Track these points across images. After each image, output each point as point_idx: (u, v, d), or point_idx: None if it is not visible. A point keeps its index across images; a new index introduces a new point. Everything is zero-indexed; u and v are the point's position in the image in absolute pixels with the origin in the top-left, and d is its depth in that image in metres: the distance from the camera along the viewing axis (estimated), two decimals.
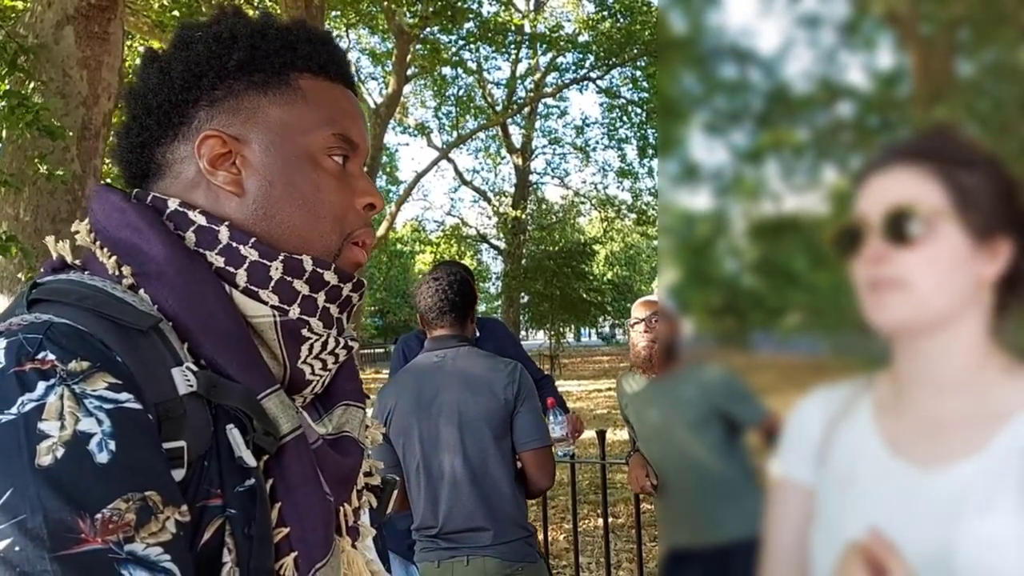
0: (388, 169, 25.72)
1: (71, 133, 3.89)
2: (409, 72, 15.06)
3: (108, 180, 6.43)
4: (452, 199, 36.84)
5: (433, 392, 2.12)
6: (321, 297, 0.72)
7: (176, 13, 7.62)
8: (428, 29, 13.01)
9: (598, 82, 18.91)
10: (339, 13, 11.56)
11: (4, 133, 3.84)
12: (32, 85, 3.90)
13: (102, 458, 0.54)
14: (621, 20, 16.59)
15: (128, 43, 7.28)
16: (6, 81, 3.99)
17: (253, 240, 0.70)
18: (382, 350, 31.84)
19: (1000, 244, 0.81)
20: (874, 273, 0.80)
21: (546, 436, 2.15)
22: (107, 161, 5.08)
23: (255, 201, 0.71)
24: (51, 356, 0.56)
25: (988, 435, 0.78)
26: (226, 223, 0.69)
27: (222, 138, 0.70)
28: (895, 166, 0.83)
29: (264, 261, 0.69)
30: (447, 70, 18.43)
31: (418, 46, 13.74)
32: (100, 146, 4.19)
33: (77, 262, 0.70)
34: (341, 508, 0.74)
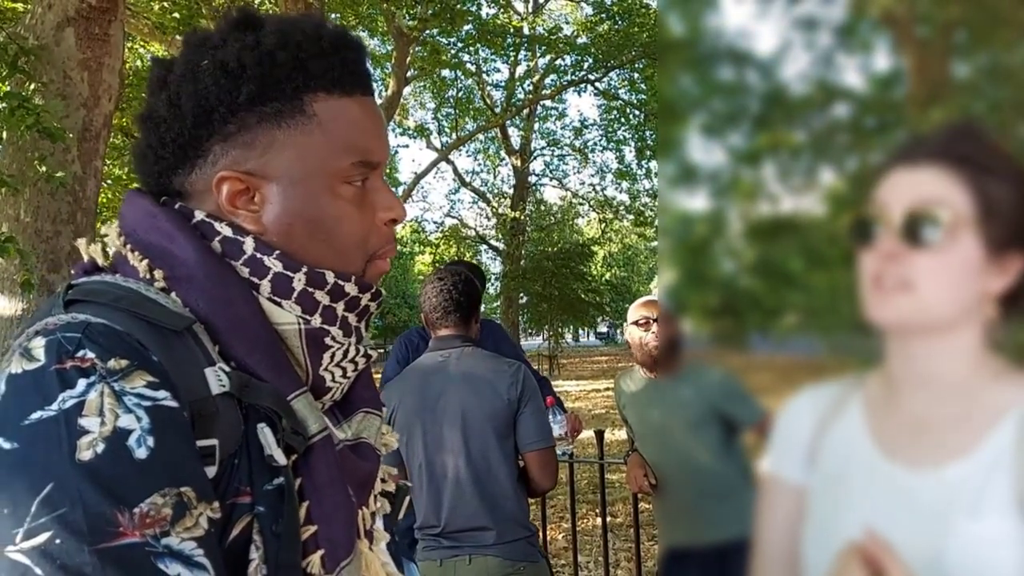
0: (388, 171, 25.65)
1: (71, 135, 3.89)
2: (408, 74, 15.04)
3: (108, 181, 6.44)
4: (452, 200, 36.86)
5: (437, 392, 2.13)
6: (340, 306, 0.73)
7: (176, 15, 7.62)
8: (427, 31, 13.02)
9: (596, 84, 18.91)
10: (339, 16, 11.57)
11: (5, 135, 3.85)
12: (32, 87, 3.91)
13: (141, 454, 0.56)
14: (619, 22, 16.59)
15: (128, 45, 7.29)
16: (7, 83, 4.00)
17: (277, 252, 0.70)
18: (381, 350, 31.82)
19: (1011, 260, 0.80)
20: (883, 269, 0.80)
21: (549, 437, 2.15)
22: (107, 162, 5.08)
23: (277, 239, 0.71)
24: (90, 354, 0.57)
25: (978, 436, 0.78)
26: (251, 235, 0.70)
27: (238, 178, 0.70)
28: (925, 163, 0.81)
29: (287, 273, 0.70)
30: (446, 72, 18.42)
31: (417, 48, 13.75)
32: (101, 147, 4.20)
33: (107, 265, 0.71)
34: (360, 511, 0.75)
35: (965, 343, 0.81)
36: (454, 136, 20.87)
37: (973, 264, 0.78)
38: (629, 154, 21.14)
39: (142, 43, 8.48)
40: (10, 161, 3.90)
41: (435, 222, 25.60)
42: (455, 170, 23.00)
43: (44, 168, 3.77)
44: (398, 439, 2.25)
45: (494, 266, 26.49)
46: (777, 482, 0.95)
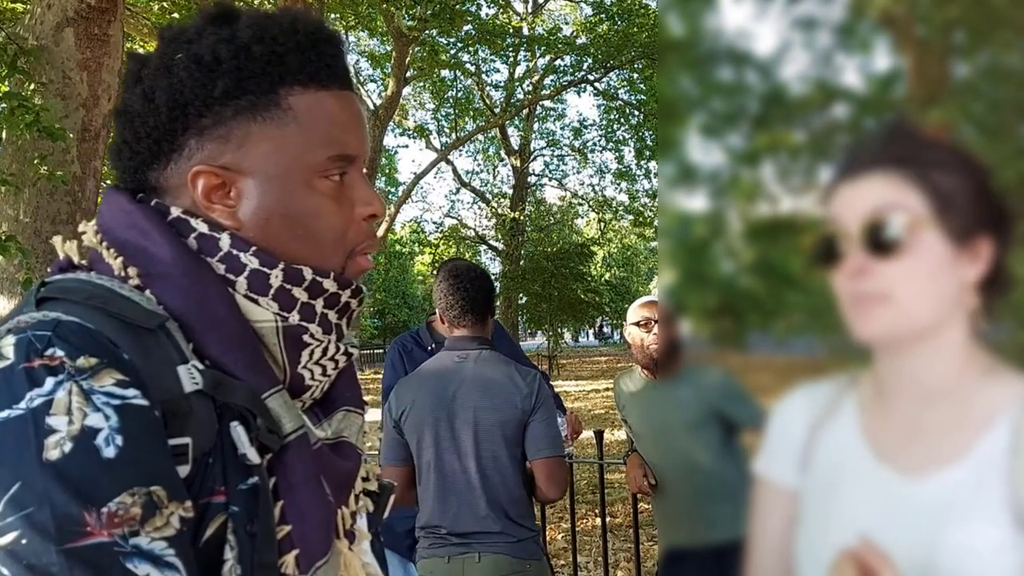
0: (387, 171, 25.75)
1: (71, 135, 3.89)
2: (408, 74, 15.05)
3: (108, 181, 6.43)
4: (452, 200, 36.96)
5: (452, 394, 2.13)
6: (319, 303, 0.72)
7: (176, 16, 7.62)
8: (427, 32, 13.02)
9: (596, 84, 18.92)
10: (338, 16, 11.57)
11: (4, 135, 3.85)
12: (32, 87, 3.91)
13: (109, 453, 0.55)
14: (618, 23, 16.59)
15: (128, 45, 7.29)
16: (6, 83, 4.00)
17: (253, 248, 0.69)
18: (381, 351, 31.81)
19: (981, 245, 0.79)
20: (857, 287, 0.79)
21: (558, 446, 2.14)
22: (107, 162, 5.08)
23: (254, 234, 0.70)
24: (60, 352, 0.57)
25: (971, 441, 0.77)
26: (227, 231, 0.69)
27: (214, 172, 0.69)
28: (869, 173, 0.80)
29: (264, 269, 0.69)
30: (446, 72, 18.43)
31: (417, 48, 13.75)
32: (100, 147, 4.20)
33: (83, 262, 0.70)
34: (339, 511, 0.74)
35: (951, 342, 0.80)
36: (453, 136, 20.88)
37: (943, 260, 0.78)
38: (628, 154, 21.17)
39: (141, 43, 8.49)
40: (10, 161, 3.91)
41: (435, 222, 25.62)
42: (455, 170, 23.03)
43: (44, 168, 3.77)
44: (409, 437, 2.26)
45: (493, 266, 26.49)
46: (770, 485, 0.94)
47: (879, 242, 0.78)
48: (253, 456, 0.64)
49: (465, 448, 2.09)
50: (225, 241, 0.69)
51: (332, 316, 0.74)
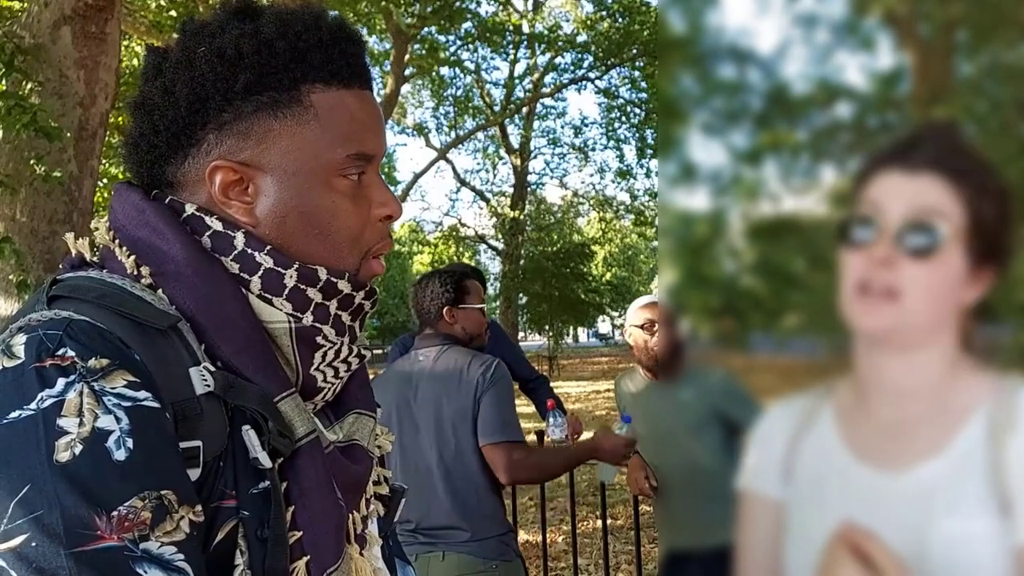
0: (386, 170, 25.78)
1: (68, 134, 3.87)
2: (407, 72, 15.06)
3: (105, 180, 6.42)
4: (452, 199, 36.99)
5: (414, 390, 2.18)
6: (333, 305, 0.71)
7: (173, 14, 7.61)
8: (426, 29, 13.01)
9: (596, 82, 18.94)
10: (336, 13, 11.57)
11: (1, 134, 3.83)
12: (29, 86, 3.89)
13: (120, 456, 0.55)
14: (619, 20, 16.62)
15: (125, 43, 7.27)
16: (3, 82, 3.98)
17: (268, 248, 0.69)
18: (380, 351, 31.83)
19: (985, 272, 0.81)
20: (871, 275, 0.79)
21: (500, 432, 2.11)
22: (104, 161, 5.07)
23: (270, 231, 0.69)
24: (71, 353, 0.56)
25: (949, 434, 0.79)
26: (242, 230, 0.69)
27: (232, 167, 0.68)
28: (923, 170, 0.80)
29: (279, 269, 0.69)
30: (445, 70, 18.46)
31: (416, 46, 13.75)
32: (97, 147, 4.18)
33: (95, 260, 0.69)
34: (350, 515, 0.74)
35: (937, 355, 0.81)
36: (453, 135, 20.91)
37: (957, 276, 0.79)
38: (629, 153, 21.20)
39: (139, 42, 8.47)
40: (6, 160, 3.89)
41: (434, 222, 25.63)
42: (454, 169, 23.06)
43: (41, 168, 3.76)
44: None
45: (493, 266, 26.50)
46: (755, 498, 0.95)
47: (914, 240, 0.78)
48: (264, 460, 0.63)
49: (428, 443, 2.13)
50: (240, 240, 0.68)
51: (346, 318, 0.73)
